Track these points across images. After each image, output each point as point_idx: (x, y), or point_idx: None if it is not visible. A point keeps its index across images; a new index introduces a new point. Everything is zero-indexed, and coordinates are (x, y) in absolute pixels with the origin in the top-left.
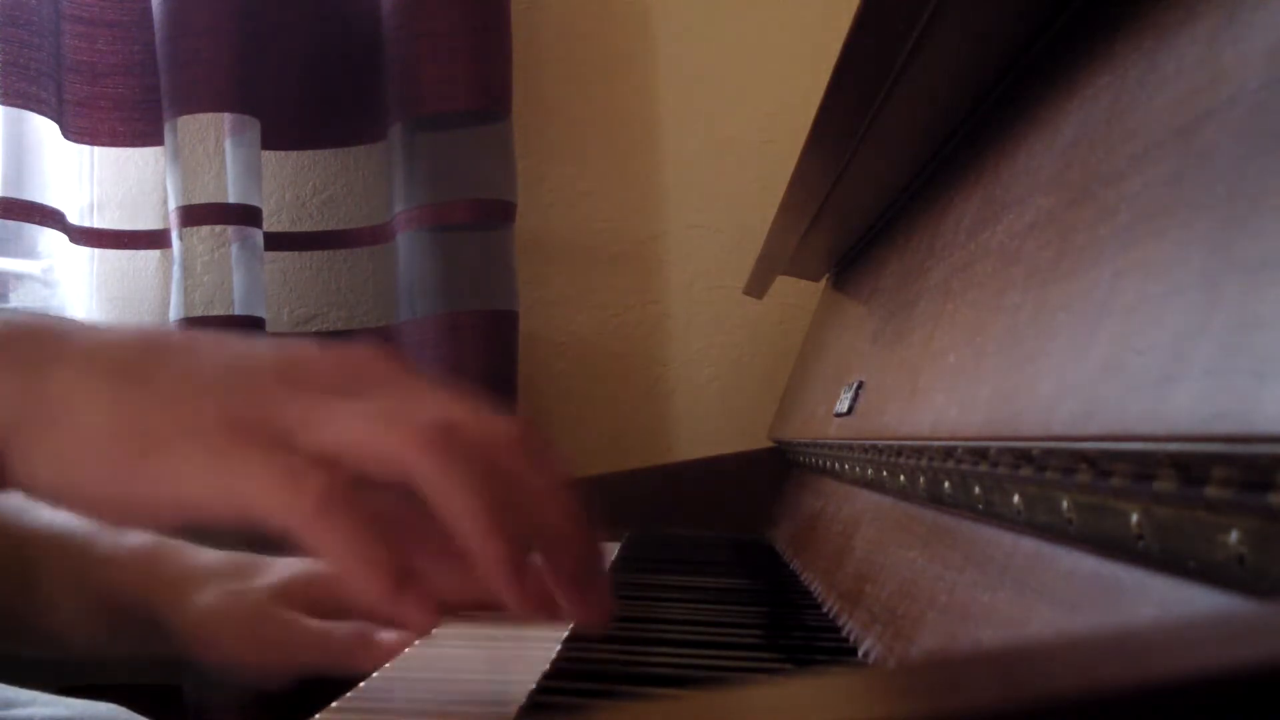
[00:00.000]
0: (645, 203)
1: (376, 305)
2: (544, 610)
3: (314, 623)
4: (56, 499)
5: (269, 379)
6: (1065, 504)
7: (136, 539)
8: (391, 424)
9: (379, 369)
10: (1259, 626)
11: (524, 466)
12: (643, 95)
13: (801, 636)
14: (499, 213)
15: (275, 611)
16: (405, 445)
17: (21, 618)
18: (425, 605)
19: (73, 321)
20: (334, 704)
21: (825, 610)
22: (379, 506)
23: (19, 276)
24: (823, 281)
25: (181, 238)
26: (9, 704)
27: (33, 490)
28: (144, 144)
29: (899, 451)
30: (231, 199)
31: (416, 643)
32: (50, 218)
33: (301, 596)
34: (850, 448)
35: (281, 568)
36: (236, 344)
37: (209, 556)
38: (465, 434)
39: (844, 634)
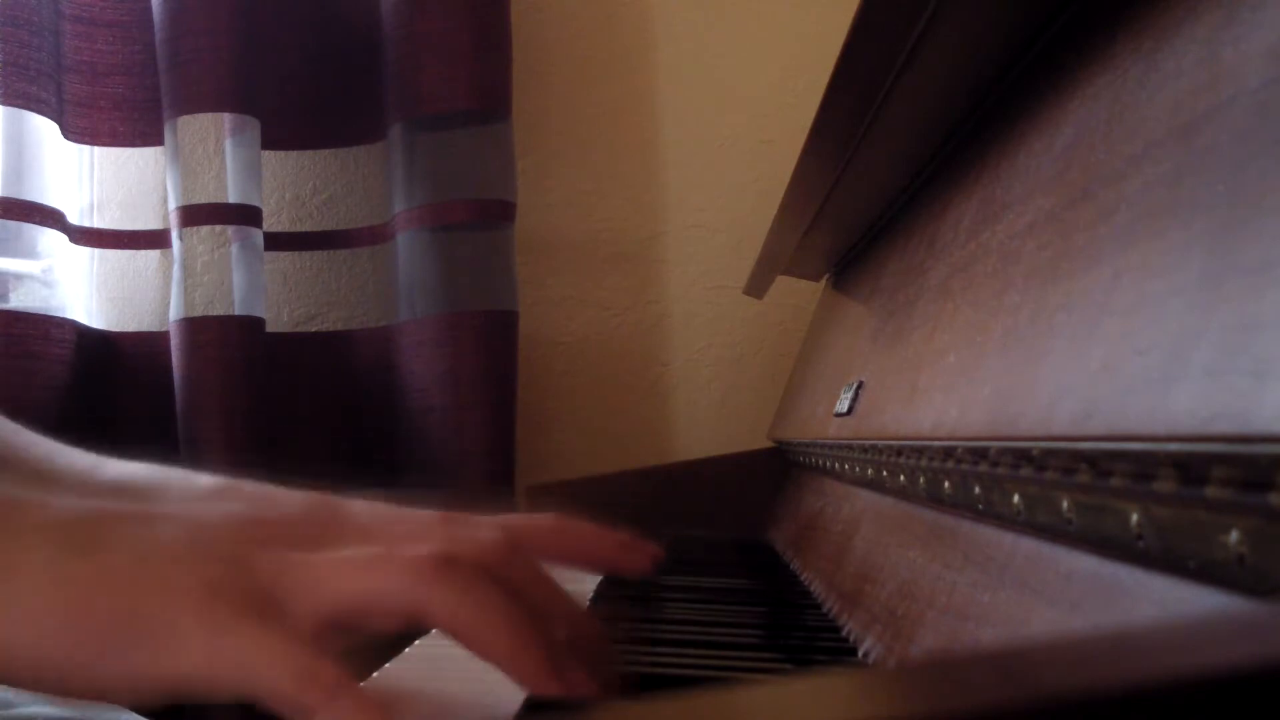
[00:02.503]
0: (645, 203)
1: (376, 305)
2: (578, 687)
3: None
4: (17, 676)
5: (237, 541)
6: (1065, 504)
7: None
8: (384, 565)
9: (338, 513)
10: (1259, 626)
11: (520, 573)
12: (643, 95)
13: (801, 636)
14: (499, 213)
15: None
16: (406, 583)
17: None
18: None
19: (23, 490)
20: None
21: (825, 610)
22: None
23: (19, 276)
24: (823, 281)
25: (181, 238)
26: (8, 704)
27: None
28: (144, 144)
29: (899, 451)
30: (231, 199)
31: (417, 642)
32: (50, 218)
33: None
34: (850, 448)
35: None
36: (185, 511)
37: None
38: (461, 554)
39: (844, 634)
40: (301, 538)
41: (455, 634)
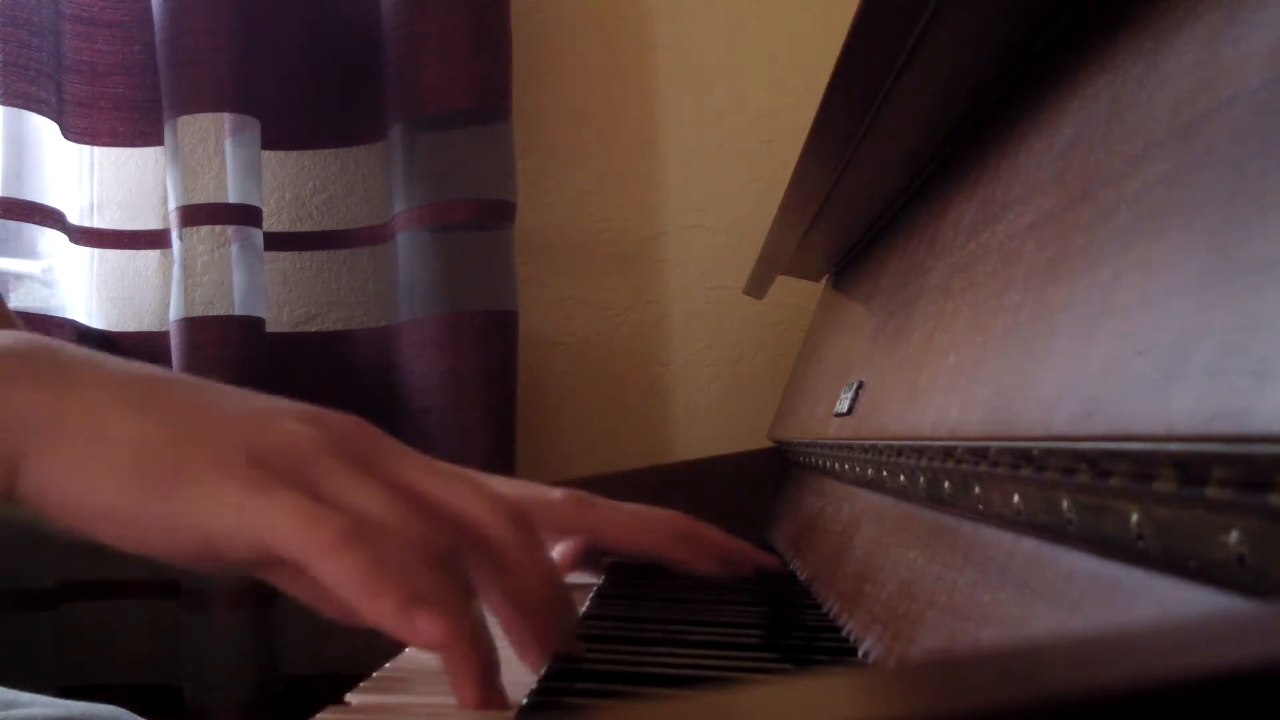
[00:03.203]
0: (645, 203)
1: (376, 305)
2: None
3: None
4: (68, 516)
5: (292, 427)
6: (1065, 504)
7: None
8: (406, 515)
9: (389, 444)
10: (1259, 626)
11: (514, 545)
12: (643, 95)
13: (801, 636)
14: (499, 213)
15: None
16: (484, 510)
17: None
18: (438, 623)
19: (97, 352)
20: (333, 705)
21: (825, 610)
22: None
23: (19, 276)
24: (823, 281)
25: (181, 238)
26: (9, 705)
27: (42, 506)
28: (144, 144)
29: (899, 451)
30: (231, 199)
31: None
32: (50, 218)
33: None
34: (850, 448)
35: (491, 483)
36: (258, 395)
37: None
38: (474, 532)
39: (844, 634)
40: (354, 450)
41: (502, 564)
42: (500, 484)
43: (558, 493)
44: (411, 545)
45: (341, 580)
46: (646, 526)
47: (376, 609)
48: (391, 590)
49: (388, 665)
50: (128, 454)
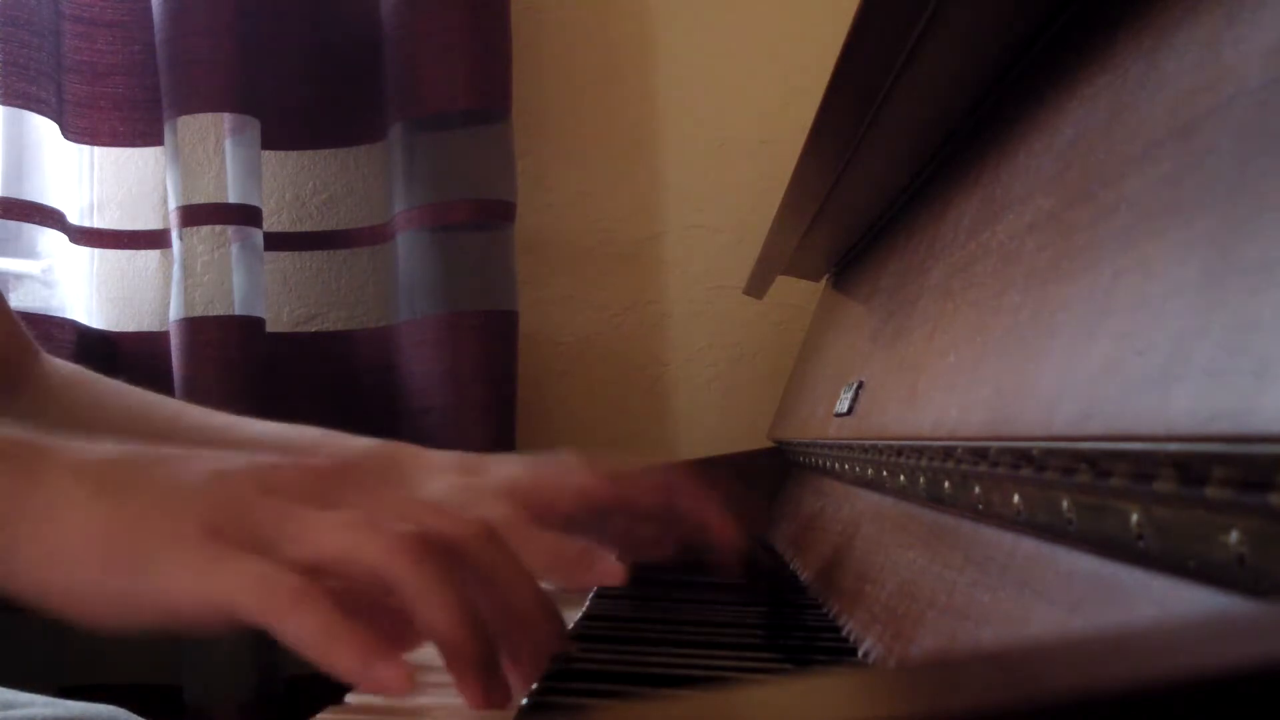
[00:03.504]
0: (645, 203)
1: (376, 305)
2: (495, 704)
3: (547, 533)
4: (46, 600)
5: (248, 488)
6: (1065, 504)
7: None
8: (365, 531)
9: (349, 477)
10: (1258, 626)
11: (492, 559)
12: (643, 95)
13: (801, 636)
14: (499, 213)
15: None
16: (380, 552)
17: None
18: (398, 670)
19: (61, 438)
20: (333, 705)
21: (825, 610)
22: (348, 599)
23: (19, 276)
24: (823, 281)
25: (181, 238)
26: (8, 705)
27: (24, 592)
28: (144, 144)
29: (899, 451)
30: (231, 199)
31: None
32: (50, 218)
33: (524, 499)
34: (850, 448)
35: (502, 466)
36: (214, 458)
37: (435, 453)
38: (437, 538)
39: (844, 634)
40: (312, 495)
41: (411, 609)
42: (511, 464)
43: (578, 470)
44: (377, 578)
45: (301, 640)
46: (666, 483)
47: (336, 665)
48: (347, 644)
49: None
50: (87, 539)
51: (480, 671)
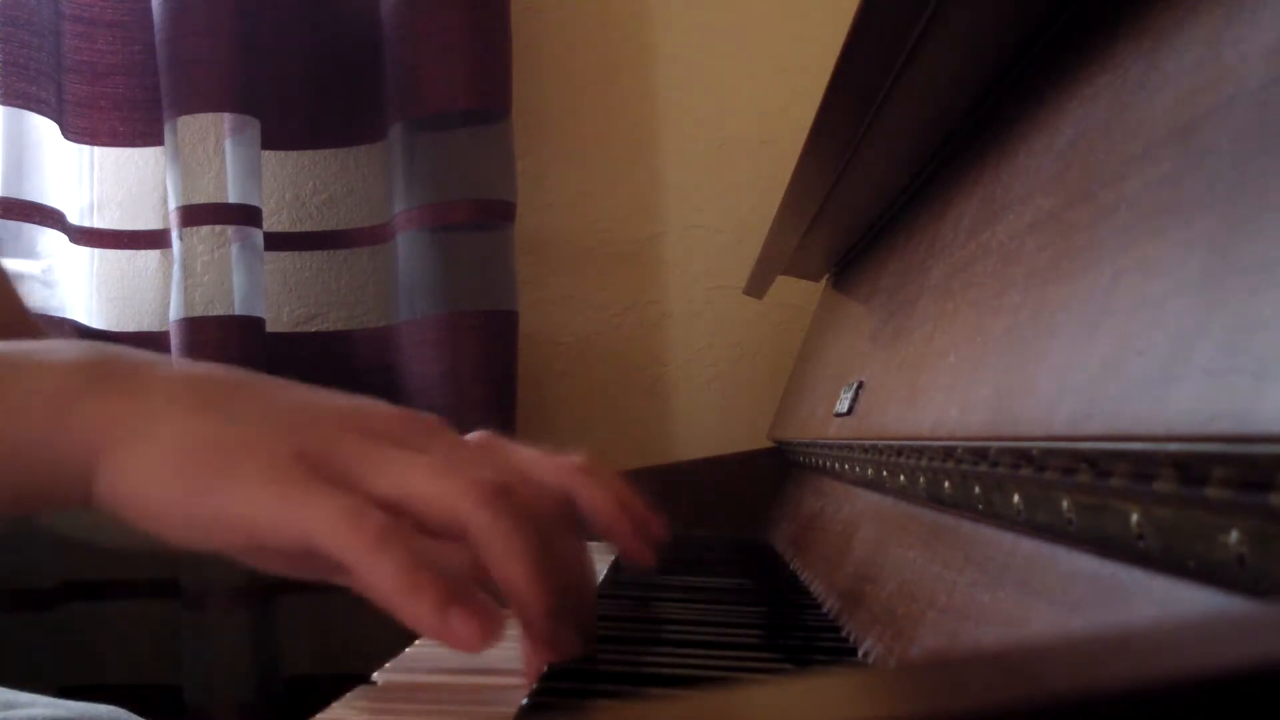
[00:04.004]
0: (645, 203)
1: (376, 305)
2: (561, 656)
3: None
4: (132, 513)
5: (336, 421)
6: (1065, 504)
7: None
8: (449, 476)
9: (435, 427)
10: (1259, 626)
11: (559, 528)
12: (643, 95)
13: (801, 636)
14: (499, 213)
15: None
16: (462, 496)
17: None
18: (473, 624)
19: (164, 358)
20: (334, 703)
21: (825, 610)
22: (431, 547)
23: (19, 276)
24: (823, 281)
25: (181, 238)
26: (8, 705)
27: (114, 506)
28: (144, 144)
29: (899, 451)
30: (231, 199)
31: (418, 642)
32: (50, 218)
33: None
34: (850, 448)
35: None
36: (305, 390)
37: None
38: (516, 492)
39: (844, 634)
40: (392, 435)
41: (481, 553)
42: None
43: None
44: (455, 521)
45: (379, 581)
46: (567, 469)
47: (413, 611)
48: (427, 591)
49: (409, 649)
50: (180, 454)
51: (549, 621)
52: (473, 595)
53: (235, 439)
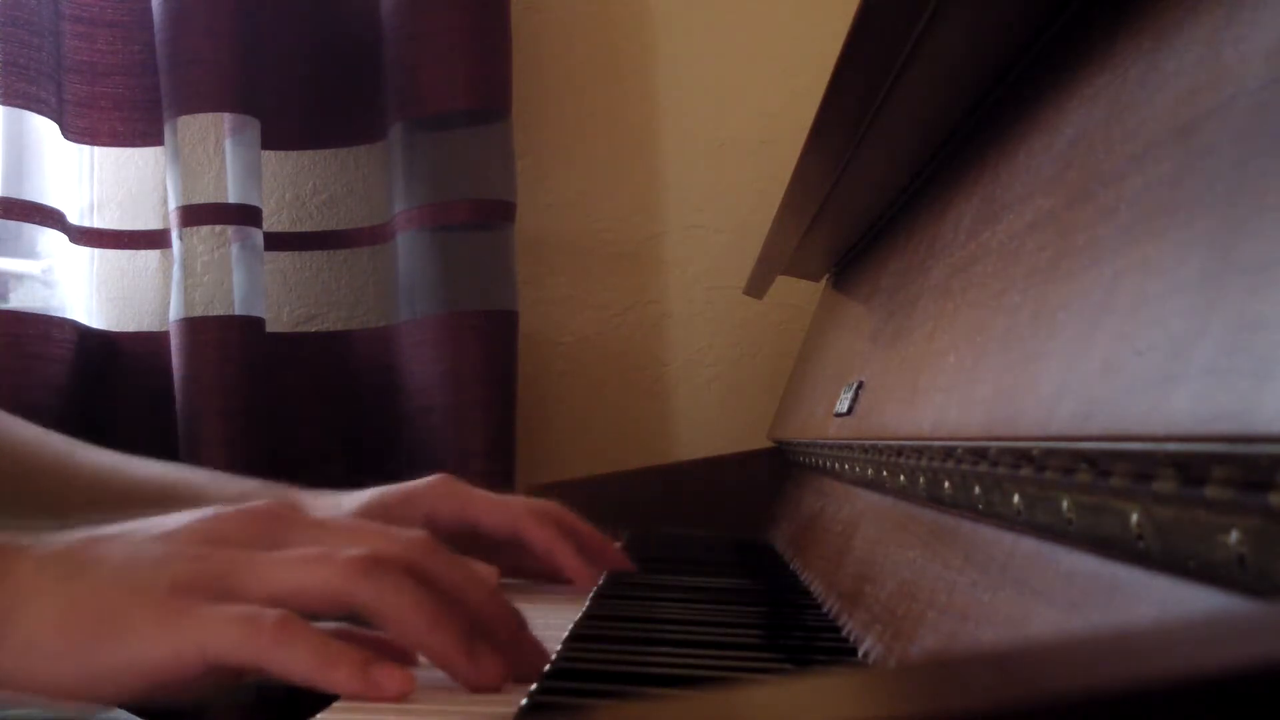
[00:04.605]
0: (645, 203)
1: (376, 305)
2: (502, 678)
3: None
4: (30, 689)
5: (196, 541)
6: (1065, 504)
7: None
8: (320, 563)
9: (284, 518)
10: (1259, 626)
11: (440, 566)
12: (643, 95)
13: (801, 636)
14: (499, 213)
15: None
16: (338, 578)
17: None
18: (396, 675)
19: (23, 538)
20: (335, 703)
21: (825, 610)
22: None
23: (19, 276)
24: (823, 281)
25: (181, 238)
26: (6, 705)
27: (11, 685)
28: (144, 144)
29: (899, 451)
30: (231, 199)
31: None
32: (50, 218)
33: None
34: (850, 448)
35: (348, 499)
36: (158, 523)
37: (321, 493)
38: (386, 555)
39: (844, 634)
40: (259, 537)
41: (381, 623)
42: (357, 498)
43: (423, 482)
44: (338, 604)
45: (294, 668)
46: (513, 507)
47: (335, 681)
48: (342, 661)
49: None
50: (61, 619)
51: (464, 648)
52: (381, 652)
53: (110, 592)
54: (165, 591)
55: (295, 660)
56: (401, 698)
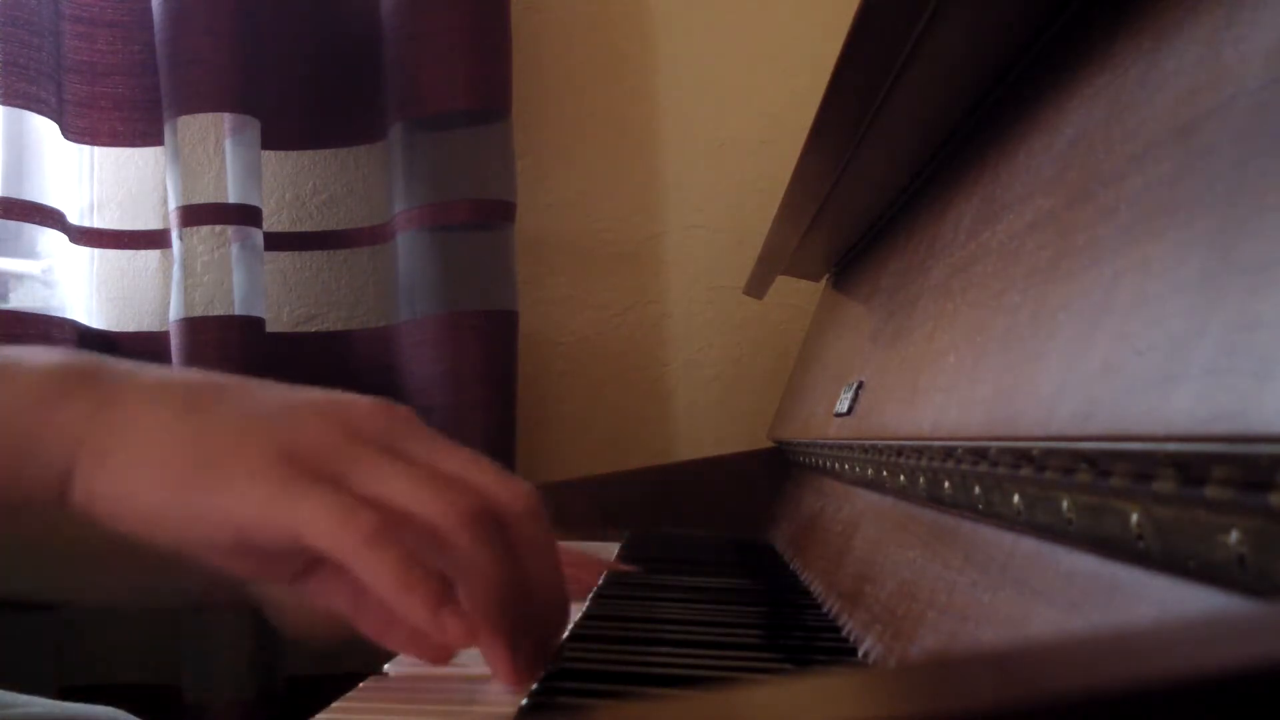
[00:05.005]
0: (645, 203)
1: (376, 305)
2: (524, 681)
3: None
4: (114, 517)
5: (320, 421)
6: (1065, 504)
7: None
8: (436, 492)
9: (414, 428)
10: (1259, 626)
11: (534, 536)
12: (643, 95)
13: (801, 636)
14: (499, 213)
15: None
16: (446, 516)
17: None
18: (461, 625)
19: (146, 365)
20: (335, 703)
21: (825, 610)
22: (419, 549)
23: (19, 276)
24: (823, 281)
25: (181, 238)
26: (8, 705)
27: (91, 509)
28: (144, 144)
29: (899, 451)
30: (231, 199)
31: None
32: (50, 218)
33: None
34: (850, 448)
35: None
36: (288, 390)
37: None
38: (494, 507)
39: (844, 634)
40: (376, 437)
41: (457, 574)
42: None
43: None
44: (436, 536)
45: (374, 576)
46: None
47: (409, 604)
48: (420, 589)
49: (363, 683)
50: (165, 454)
51: (511, 646)
52: (456, 599)
53: (221, 439)
54: (277, 458)
55: (380, 568)
56: (452, 651)
